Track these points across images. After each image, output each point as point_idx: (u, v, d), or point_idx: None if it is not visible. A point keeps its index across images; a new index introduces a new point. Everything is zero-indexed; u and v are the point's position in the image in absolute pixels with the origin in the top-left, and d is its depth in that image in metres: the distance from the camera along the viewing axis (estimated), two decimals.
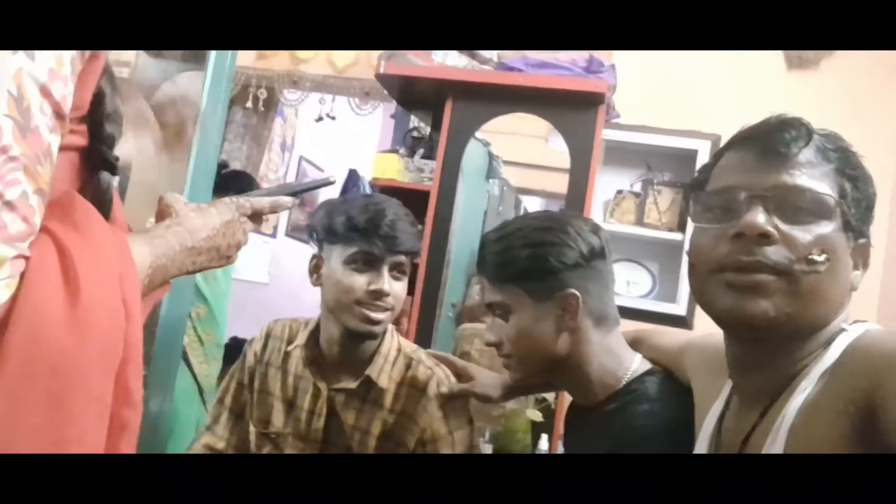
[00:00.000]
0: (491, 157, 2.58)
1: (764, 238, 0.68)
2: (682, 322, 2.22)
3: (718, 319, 0.74)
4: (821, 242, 0.67)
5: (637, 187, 2.40)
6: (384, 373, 1.23)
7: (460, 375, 1.26)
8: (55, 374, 0.50)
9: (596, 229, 1.03)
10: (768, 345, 0.71)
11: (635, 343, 1.08)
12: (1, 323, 0.48)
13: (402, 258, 1.21)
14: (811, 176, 0.69)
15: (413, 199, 1.61)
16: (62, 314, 0.50)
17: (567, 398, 1.15)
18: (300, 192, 0.94)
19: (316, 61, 2.52)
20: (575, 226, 1.01)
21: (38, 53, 0.49)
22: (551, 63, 1.87)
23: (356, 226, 1.17)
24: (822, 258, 0.67)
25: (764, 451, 0.67)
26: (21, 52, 0.48)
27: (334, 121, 2.78)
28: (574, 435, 1.13)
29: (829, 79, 2.24)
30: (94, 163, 0.62)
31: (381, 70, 1.97)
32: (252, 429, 1.30)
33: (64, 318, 0.50)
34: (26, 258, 0.50)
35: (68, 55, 0.52)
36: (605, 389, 1.00)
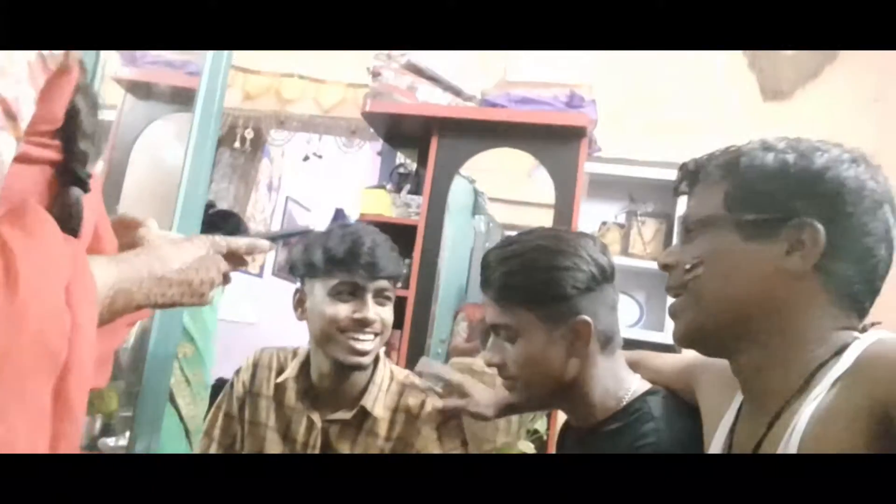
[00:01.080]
0: (476, 193, 2.61)
1: (666, 268, 0.81)
2: (670, 350, 2.22)
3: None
4: (695, 252, 0.77)
5: (621, 218, 2.44)
6: (379, 402, 1.23)
7: (455, 392, 1.24)
8: None
9: (604, 249, 1.02)
10: (753, 353, 0.74)
11: (634, 366, 1.08)
12: None
13: (385, 283, 1.21)
14: (699, 202, 0.79)
15: (401, 234, 1.63)
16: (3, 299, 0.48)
17: (558, 425, 1.15)
18: (279, 237, 0.96)
19: (302, 101, 2.56)
20: (586, 247, 0.99)
21: None
22: (533, 99, 1.91)
23: (335, 257, 1.17)
24: (695, 263, 0.76)
25: None
26: None
27: (321, 159, 2.81)
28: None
29: (802, 109, 2.30)
30: (65, 179, 0.61)
31: (367, 108, 2.00)
32: None
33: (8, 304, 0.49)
34: None
35: (22, 56, 0.51)
36: (606, 411, 0.99)
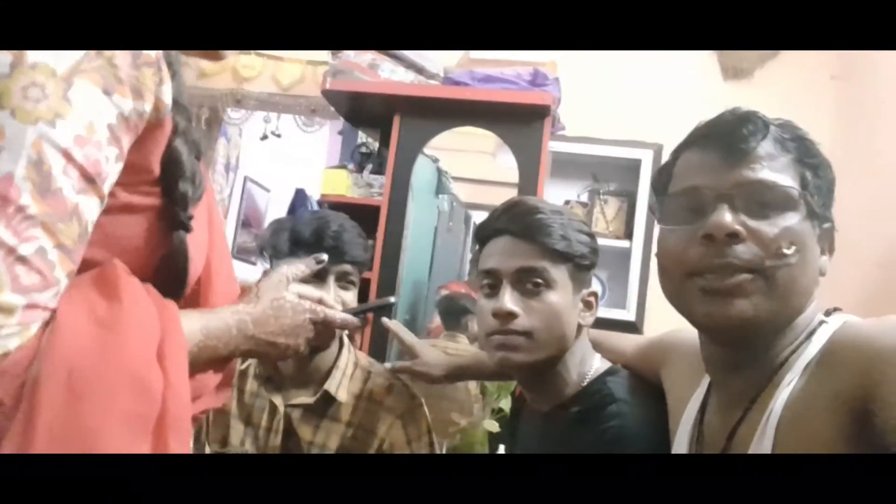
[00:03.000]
0: (440, 173, 2.59)
1: (733, 237, 0.67)
2: (633, 327, 2.25)
3: (698, 325, 0.73)
4: (789, 235, 0.67)
5: (584, 197, 2.45)
6: (342, 387, 1.22)
7: (405, 353, 1.24)
8: (86, 442, 0.53)
9: None
10: (749, 342, 0.71)
11: (595, 346, 1.08)
12: (32, 382, 0.51)
13: (348, 267, 1.20)
14: (772, 169, 0.69)
15: (363, 215, 1.60)
16: (93, 364, 0.54)
17: None
18: (363, 311, 0.98)
19: (260, 79, 2.50)
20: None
21: (61, 122, 0.53)
22: (497, 77, 1.89)
23: (300, 239, 1.17)
24: (791, 251, 0.67)
25: (752, 448, 0.67)
26: (41, 122, 0.53)
27: (280, 139, 2.75)
28: (527, 441, 1.10)
29: (763, 89, 2.33)
30: (169, 222, 0.65)
31: (328, 86, 1.96)
32: (208, 449, 1.27)
33: (94, 372, 0.54)
34: (50, 310, 0.54)
35: (104, 122, 0.56)
36: (571, 390, 1.00)
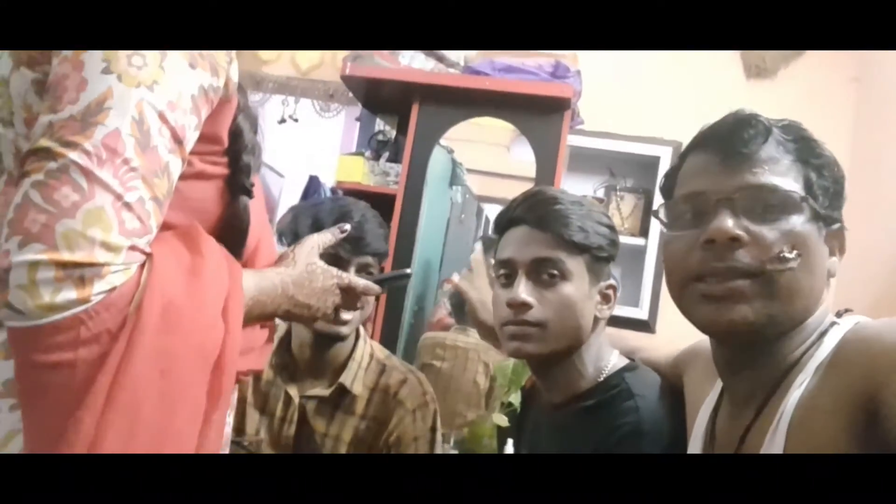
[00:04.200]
0: (454, 164, 2.57)
1: (734, 242, 0.67)
2: (645, 326, 2.24)
3: (702, 329, 0.73)
4: (791, 238, 0.67)
5: (600, 193, 2.43)
6: (358, 379, 1.22)
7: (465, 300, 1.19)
8: (166, 376, 0.59)
9: None
10: (756, 345, 0.71)
11: (630, 354, 1.07)
12: (127, 318, 0.57)
13: (370, 259, 1.20)
14: (774, 172, 0.69)
15: (378, 203, 1.59)
16: (180, 304, 0.61)
17: None
18: (384, 281, 1.01)
19: (279, 62, 2.49)
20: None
21: (158, 87, 0.60)
22: (517, 68, 1.87)
23: (322, 227, 1.15)
24: (793, 254, 0.67)
25: (763, 449, 0.66)
26: (143, 86, 0.59)
27: (297, 123, 2.74)
28: (535, 432, 1.09)
29: (786, 87, 2.30)
30: (234, 189, 0.73)
31: (347, 72, 1.95)
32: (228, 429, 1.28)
33: (181, 310, 0.60)
34: (146, 253, 0.60)
35: (188, 92, 0.62)
36: (587, 383, 0.98)
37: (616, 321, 2.26)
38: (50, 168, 0.55)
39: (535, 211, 0.97)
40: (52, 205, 0.54)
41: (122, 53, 0.58)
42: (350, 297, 0.90)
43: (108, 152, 0.56)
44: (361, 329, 1.26)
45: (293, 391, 1.22)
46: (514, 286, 0.96)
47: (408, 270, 1.09)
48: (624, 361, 1.02)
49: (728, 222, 0.68)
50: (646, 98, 2.38)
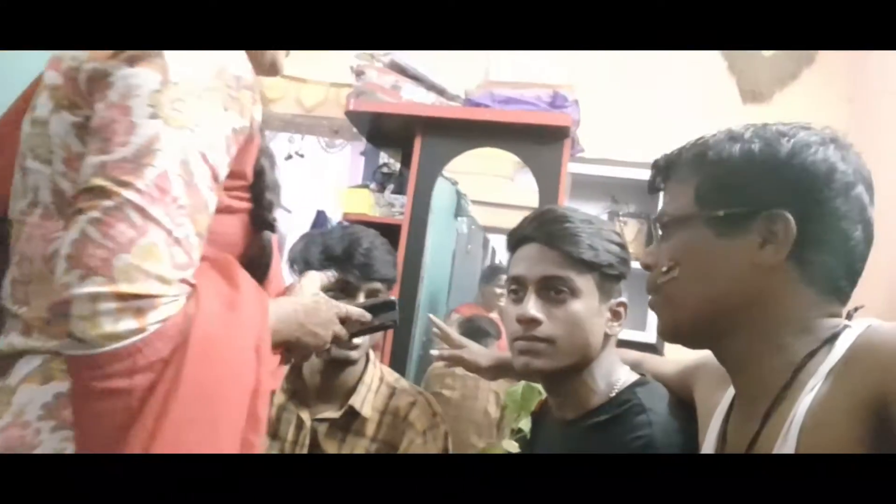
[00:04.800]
0: (459, 195, 2.61)
1: (647, 268, 0.80)
2: (653, 349, 2.24)
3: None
4: (673, 252, 0.76)
5: (603, 218, 2.45)
6: (367, 402, 1.23)
7: (454, 347, 1.24)
8: (210, 403, 0.63)
9: None
10: (735, 345, 0.73)
11: (634, 366, 1.07)
12: (177, 347, 0.61)
13: (378, 285, 1.22)
14: (672, 200, 0.78)
15: (384, 234, 1.62)
16: (219, 337, 0.64)
17: None
18: (373, 308, 1.05)
19: (284, 100, 2.55)
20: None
21: (199, 129, 0.64)
22: (517, 99, 1.91)
23: (332, 254, 1.19)
24: (671, 265, 0.76)
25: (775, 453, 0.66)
26: (186, 129, 0.63)
27: (303, 159, 2.79)
28: (547, 449, 1.09)
29: (781, 110, 2.34)
30: (258, 224, 0.78)
31: (351, 107, 1.99)
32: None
33: (220, 343, 0.64)
34: (191, 285, 0.64)
35: (223, 133, 0.67)
36: (598, 399, 0.99)
37: (623, 344, 2.27)
38: (106, 206, 0.59)
39: (544, 229, 1.00)
40: (110, 240, 0.58)
41: (166, 98, 0.63)
42: (349, 325, 0.96)
43: (159, 191, 0.61)
44: (371, 353, 1.28)
45: (305, 415, 1.23)
46: (523, 303, 0.98)
47: (392, 297, 1.13)
48: (634, 376, 1.02)
49: (644, 252, 0.81)
50: (644, 125, 2.42)
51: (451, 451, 1.26)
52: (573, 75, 2.06)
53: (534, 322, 0.97)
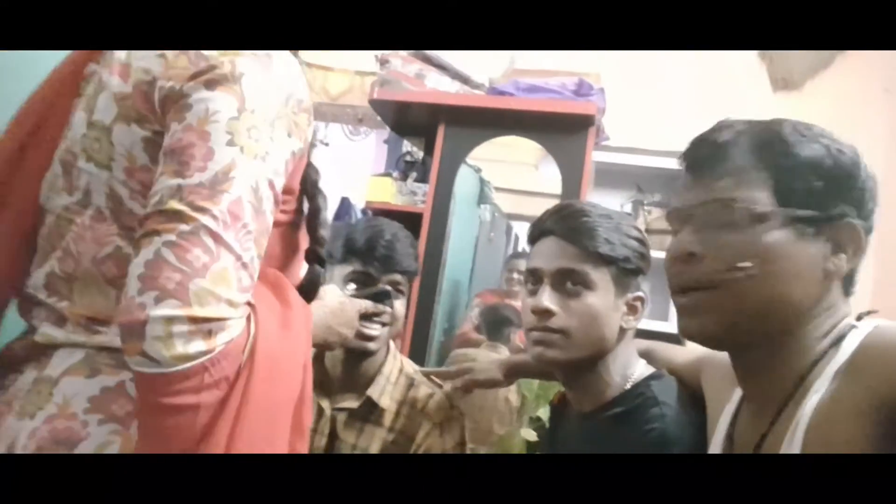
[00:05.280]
0: (482, 182, 2.60)
1: (692, 257, 0.72)
2: (675, 339, 2.22)
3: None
4: (750, 250, 0.69)
5: (628, 208, 2.43)
6: (386, 393, 1.24)
7: (459, 375, 1.27)
8: (272, 420, 0.67)
9: None
10: (762, 350, 0.72)
11: (646, 355, 1.08)
12: (241, 365, 0.64)
13: (399, 277, 1.23)
14: (739, 184, 0.71)
15: (407, 222, 1.62)
16: (276, 355, 0.67)
17: None
18: (373, 297, 1.12)
19: (309, 89, 2.56)
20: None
21: (269, 158, 0.67)
22: (541, 87, 1.90)
23: (354, 246, 1.21)
24: (747, 265, 0.69)
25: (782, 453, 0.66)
26: (259, 158, 0.66)
27: (328, 147, 2.81)
28: (567, 442, 1.11)
29: (813, 100, 2.29)
30: (311, 258, 0.83)
31: (375, 96, 2.00)
32: None
33: (277, 361, 0.67)
34: (251, 304, 0.66)
35: (284, 158, 0.70)
36: (614, 391, 1.00)
37: (645, 335, 2.25)
38: (182, 230, 0.61)
39: (563, 223, 1.01)
40: (186, 264, 0.60)
41: (242, 126, 0.65)
42: (365, 319, 1.03)
43: (232, 218, 0.63)
44: (392, 345, 1.29)
45: (325, 404, 1.25)
46: (538, 294, 1.00)
47: (387, 287, 1.19)
48: (650, 370, 1.03)
49: (685, 240, 0.74)
50: (671, 113, 2.39)
51: (467, 444, 1.26)
52: (599, 63, 2.04)
53: (548, 313, 0.98)
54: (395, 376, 1.27)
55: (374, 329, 1.20)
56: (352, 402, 1.24)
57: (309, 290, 0.82)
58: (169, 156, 0.65)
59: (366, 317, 1.19)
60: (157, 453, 0.61)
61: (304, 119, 0.73)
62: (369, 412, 1.24)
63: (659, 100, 2.40)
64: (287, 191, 0.75)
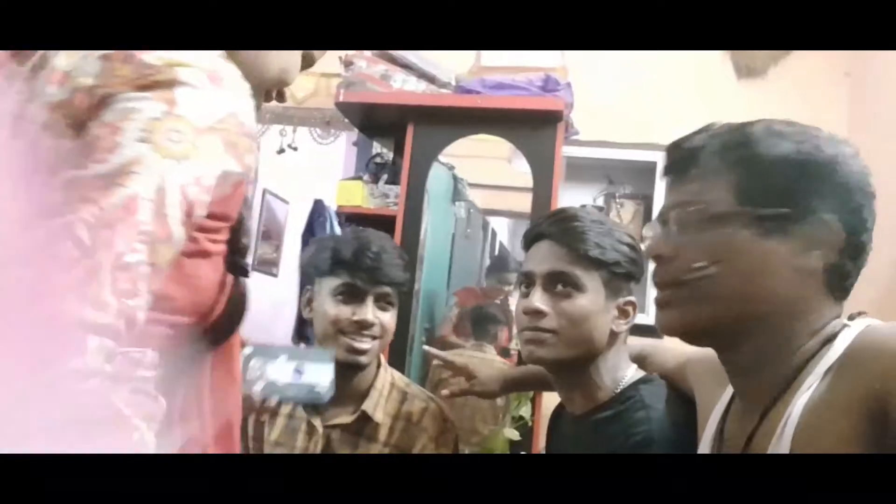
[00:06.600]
0: (456, 180, 2.60)
1: (659, 259, 0.76)
2: (652, 332, 2.24)
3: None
4: (711, 249, 0.71)
5: (600, 201, 2.44)
6: (379, 407, 1.24)
7: (461, 374, 1.29)
8: None
9: None
10: (746, 347, 0.72)
11: (640, 359, 1.09)
12: None
13: (387, 289, 1.23)
14: (705, 187, 0.73)
15: (379, 225, 1.61)
16: None
17: (544, 415, 1.15)
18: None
19: None
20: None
21: (187, 163, 0.63)
22: (508, 84, 1.89)
23: (341, 259, 1.21)
24: (702, 265, 0.71)
25: (769, 452, 0.66)
26: (172, 159, 0.62)
27: (296, 151, 2.78)
28: (560, 445, 1.12)
29: (777, 86, 2.31)
30: (232, 269, 0.78)
31: (341, 98, 1.98)
32: None
33: None
34: (137, 318, 0.61)
35: (213, 173, 0.66)
36: (605, 395, 1.01)
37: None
38: (59, 222, 0.58)
39: (555, 227, 1.04)
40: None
41: (163, 127, 0.62)
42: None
43: (123, 212, 0.59)
44: (382, 358, 1.29)
45: (316, 421, 1.24)
46: (529, 296, 1.03)
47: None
48: (640, 374, 1.04)
49: (655, 242, 0.77)
50: (639, 105, 2.40)
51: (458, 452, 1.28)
52: (566, 57, 2.04)
53: (538, 314, 1.01)
54: (387, 390, 1.27)
55: (364, 342, 1.19)
56: (345, 418, 1.24)
57: (237, 303, 0.77)
58: (73, 151, 0.62)
59: (355, 330, 1.19)
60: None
61: (247, 144, 0.69)
62: (363, 427, 1.24)
63: (626, 92, 2.41)
64: (221, 217, 0.72)
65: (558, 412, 1.17)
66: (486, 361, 2.16)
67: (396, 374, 1.32)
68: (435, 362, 2.19)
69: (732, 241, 0.71)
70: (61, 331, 0.57)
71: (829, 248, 0.69)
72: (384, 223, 1.89)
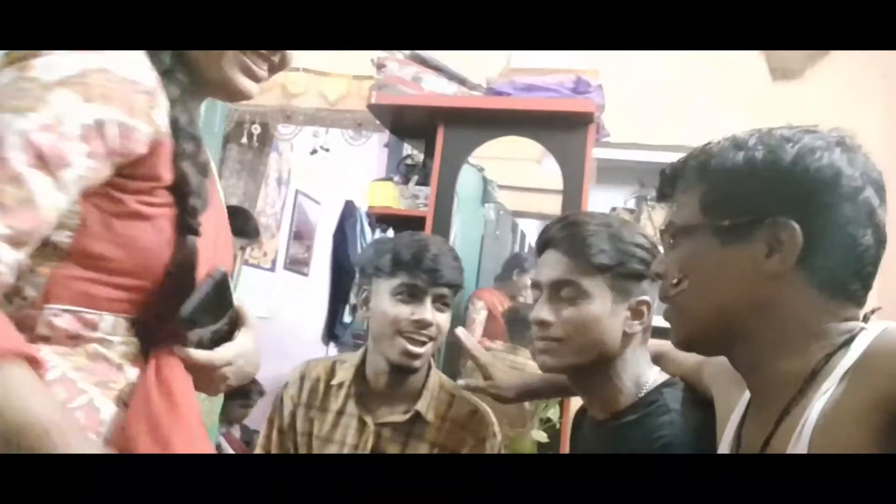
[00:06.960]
0: (486, 182, 2.60)
1: (658, 276, 0.80)
2: (668, 334, 2.22)
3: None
4: (681, 263, 0.76)
5: (631, 203, 2.43)
6: (431, 408, 1.28)
7: (480, 371, 1.28)
8: None
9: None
10: (749, 352, 0.73)
11: (658, 358, 1.09)
12: None
13: (445, 290, 1.26)
14: (679, 209, 0.78)
15: (409, 226, 1.63)
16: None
17: (571, 418, 1.15)
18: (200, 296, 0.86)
19: (308, 95, 2.56)
20: (654, 239, 1.06)
21: (31, 114, 0.63)
22: (538, 86, 1.89)
23: (401, 260, 1.24)
24: (680, 277, 0.76)
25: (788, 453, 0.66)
26: (12, 113, 0.63)
27: (329, 153, 2.81)
28: (584, 449, 1.12)
29: (813, 88, 2.28)
30: (182, 229, 0.76)
31: (373, 100, 2.00)
32: None
33: None
34: None
35: (78, 122, 0.65)
36: (627, 398, 1.01)
37: (651, 331, 2.24)
38: None
39: (560, 235, 1.04)
40: None
41: (10, 89, 0.64)
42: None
43: None
44: (432, 360, 1.32)
45: (368, 419, 1.27)
46: (537, 306, 1.04)
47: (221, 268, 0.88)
48: (664, 377, 1.04)
49: (655, 261, 0.82)
50: (672, 106, 2.38)
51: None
52: (597, 59, 2.03)
53: (544, 324, 1.02)
54: (437, 391, 1.31)
55: (419, 347, 1.22)
56: (397, 417, 1.27)
57: (184, 263, 0.75)
58: None
59: (413, 329, 1.22)
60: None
61: (142, 100, 0.69)
62: (413, 426, 1.27)
63: (659, 94, 2.39)
64: (146, 177, 0.72)
65: (580, 417, 1.17)
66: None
67: (444, 377, 1.35)
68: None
69: (697, 252, 0.75)
70: None
71: (790, 250, 0.69)
72: (414, 224, 1.91)
